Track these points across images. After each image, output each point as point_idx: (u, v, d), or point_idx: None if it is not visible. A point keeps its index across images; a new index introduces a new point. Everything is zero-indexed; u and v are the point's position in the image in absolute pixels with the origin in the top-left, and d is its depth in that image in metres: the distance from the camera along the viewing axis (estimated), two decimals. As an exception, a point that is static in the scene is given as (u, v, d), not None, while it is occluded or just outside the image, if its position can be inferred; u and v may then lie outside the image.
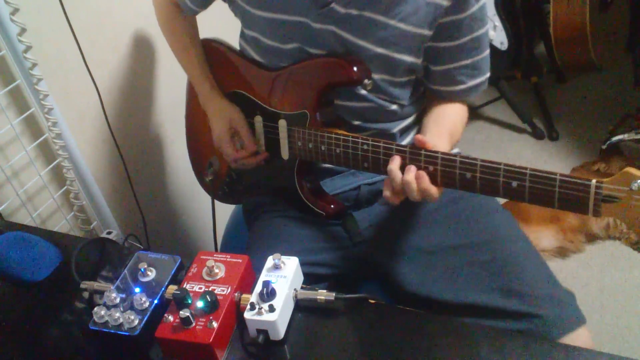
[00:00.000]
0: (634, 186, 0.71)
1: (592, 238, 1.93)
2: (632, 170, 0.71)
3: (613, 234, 1.91)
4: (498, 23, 2.10)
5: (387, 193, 0.90)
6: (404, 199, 0.89)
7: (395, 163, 0.88)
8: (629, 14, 2.42)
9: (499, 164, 0.80)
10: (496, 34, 2.12)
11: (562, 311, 0.90)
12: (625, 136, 2.11)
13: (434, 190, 0.86)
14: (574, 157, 2.28)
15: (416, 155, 0.87)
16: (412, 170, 0.86)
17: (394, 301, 1.05)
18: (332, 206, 1.06)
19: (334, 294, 0.79)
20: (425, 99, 1.12)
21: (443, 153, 0.85)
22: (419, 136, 0.87)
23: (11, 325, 0.90)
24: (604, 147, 2.15)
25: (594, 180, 0.74)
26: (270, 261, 0.81)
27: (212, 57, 1.19)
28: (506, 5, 2.14)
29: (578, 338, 0.88)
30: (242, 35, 1.13)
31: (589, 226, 1.91)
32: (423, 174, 0.85)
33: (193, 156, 1.34)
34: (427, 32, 0.95)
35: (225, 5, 1.11)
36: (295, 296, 0.80)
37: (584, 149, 2.31)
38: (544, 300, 0.91)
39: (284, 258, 0.82)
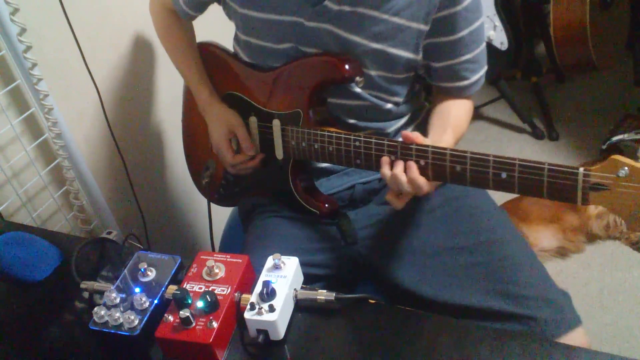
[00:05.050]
0: (621, 173, 0.71)
1: (592, 238, 1.93)
2: (619, 157, 0.71)
3: (613, 234, 1.91)
4: (498, 23, 2.10)
5: (389, 197, 0.91)
6: (407, 201, 0.91)
7: (386, 167, 0.89)
8: (629, 13, 2.42)
9: (488, 155, 0.81)
10: (496, 34, 2.12)
11: (557, 313, 0.90)
12: (625, 136, 2.11)
13: (422, 180, 0.87)
14: (574, 157, 2.28)
15: (407, 149, 0.88)
16: (399, 165, 0.88)
17: (390, 302, 1.05)
18: (326, 205, 1.06)
19: (334, 294, 0.79)
20: (418, 98, 1.12)
21: (433, 147, 0.86)
22: (406, 132, 0.89)
23: (11, 325, 0.90)
24: (604, 147, 2.15)
25: (581, 169, 0.74)
26: (270, 261, 0.81)
27: (207, 60, 1.19)
28: (506, 5, 2.13)
29: (574, 339, 0.88)
30: (236, 39, 1.14)
31: (589, 226, 1.91)
32: (412, 164, 0.87)
33: (189, 159, 1.35)
34: (422, 27, 0.95)
35: (220, 9, 1.12)
36: (295, 296, 0.80)
37: (584, 149, 2.30)
38: (539, 302, 0.91)
39: (284, 258, 0.82)
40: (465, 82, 1.04)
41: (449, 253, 1.01)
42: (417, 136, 0.88)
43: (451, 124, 1.02)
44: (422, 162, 0.87)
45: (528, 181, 0.78)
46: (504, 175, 0.80)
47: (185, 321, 0.74)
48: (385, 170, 0.89)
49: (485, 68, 1.05)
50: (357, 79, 0.96)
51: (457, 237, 1.02)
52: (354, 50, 0.97)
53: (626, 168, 0.70)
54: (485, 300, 0.93)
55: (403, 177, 0.87)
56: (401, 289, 1.02)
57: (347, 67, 0.95)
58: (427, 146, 0.86)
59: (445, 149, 0.85)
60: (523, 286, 0.93)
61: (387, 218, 1.09)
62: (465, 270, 0.98)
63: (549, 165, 0.76)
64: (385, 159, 0.90)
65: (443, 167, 0.85)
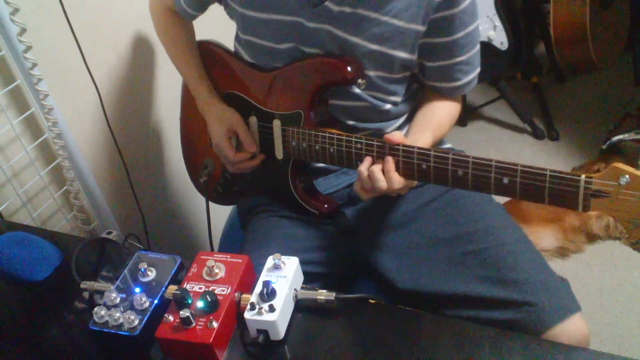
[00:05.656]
0: (622, 181, 0.72)
1: (592, 238, 1.93)
2: (620, 165, 0.72)
3: (613, 234, 1.91)
4: (498, 23, 2.10)
5: (356, 187, 0.95)
6: (375, 195, 0.93)
7: (365, 164, 0.92)
8: (629, 13, 2.42)
9: (490, 160, 0.82)
10: (496, 34, 2.12)
11: (556, 299, 0.90)
12: (625, 136, 2.11)
13: (396, 176, 0.89)
14: (574, 157, 2.28)
15: (409, 153, 0.88)
16: (379, 164, 0.90)
17: (388, 298, 1.05)
18: (325, 205, 1.06)
19: (334, 294, 0.79)
20: (416, 98, 1.13)
21: (436, 150, 0.87)
22: (387, 135, 0.90)
23: (11, 325, 0.90)
24: (604, 147, 2.15)
25: (583, 176, 0.75)
26: (270, 261, 0.82)
27: (207, 58, 1.19)
28: (506, 5, 2.13)
29: (573, 325, 0.88)
30: (237, 39, 1.14)
31: (589, 226, 1.91)
32: (389, 158, 0.89)
33: (187, 158, 1.35)
34: (420, 28, 0.96)
35: (222, 8, 1.12)
36: (295, 296, 0.80)
37: (584, 149, 2.31)
38: (538, 288, 0.91)
39: (284, 258, 0.82)
40: (457, 83, 1.05)
41: (446, 243, 1.01)
42: (397, 136, 0.90)
43: (433, 124, 1.03)
44: (424, 166, 0.87)
45: (530, 187, 0.79)
46: (505, 180, 0.81)
47: (185, 321, 0.74)
48: (365, 170, 0.91)
49: (478, 70, 1.06)
50: (360, 81, 0.96)
51: (452, 227, 1.03)
52: (353, 51, 0.97)
53: (627, 176, 0.71)
54: (483, 289, 0.93)
55: (379, 174, 0.89)
56: (399, 284, 1.02)
57: (349, 69, 0.95)
58: (430, 149, 0.87)
59: (447, 152, 0.85)
60: (521, 272, 0.93)
61: (384, 213, 1.10)
62: (462, 260, 0.98)
63: (550, 171, 0.77)
64: (367, 160, 0.92)
65: (445, 170, 0.86)
